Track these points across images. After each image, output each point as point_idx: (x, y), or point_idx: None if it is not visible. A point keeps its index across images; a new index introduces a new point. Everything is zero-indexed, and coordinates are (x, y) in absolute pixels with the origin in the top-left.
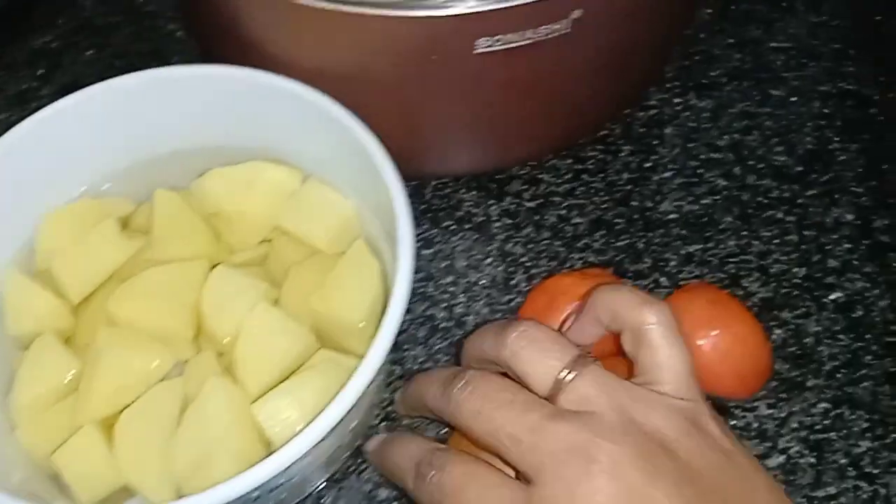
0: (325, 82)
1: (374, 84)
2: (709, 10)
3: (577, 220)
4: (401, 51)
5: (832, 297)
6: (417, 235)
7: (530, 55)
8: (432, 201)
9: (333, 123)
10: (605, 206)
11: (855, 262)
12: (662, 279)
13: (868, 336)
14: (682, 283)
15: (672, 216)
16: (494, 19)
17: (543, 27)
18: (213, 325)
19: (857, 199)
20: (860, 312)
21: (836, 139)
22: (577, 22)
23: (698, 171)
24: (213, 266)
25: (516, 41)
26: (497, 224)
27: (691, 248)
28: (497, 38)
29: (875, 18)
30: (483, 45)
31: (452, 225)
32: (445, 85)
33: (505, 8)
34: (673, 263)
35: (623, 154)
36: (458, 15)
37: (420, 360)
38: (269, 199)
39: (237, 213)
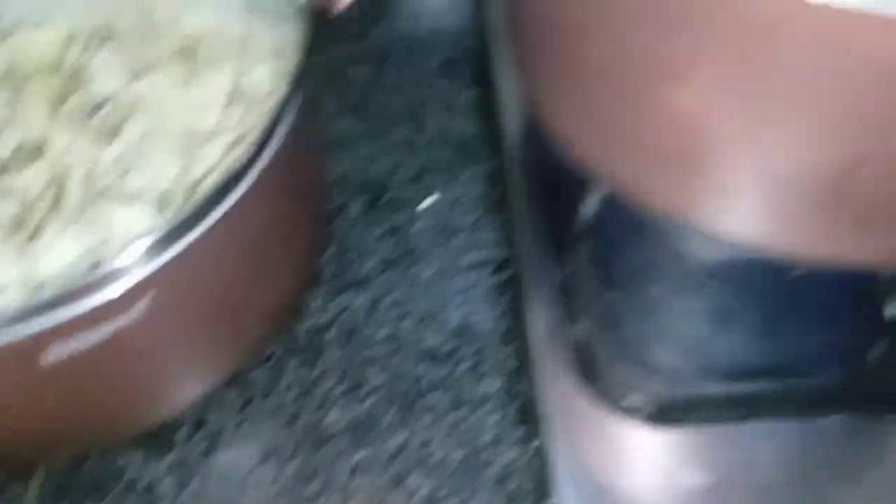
0: None
1: None
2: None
3: (252, 453)
4: None
5: (488, 472)
6: None
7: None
8: (92, 473)
9: None
10: (275, 431)
11: (506, 431)
12: (333, 498)
13: None
14: (350, 497)
15: (338, 426)
16: (63, 330)
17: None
18: None
19: (502, 363)
20: (514, 484)
21: (479, 309)
22: (155, 299)
23: (360, 373)
24: None
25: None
26: (165, 485)
27: (357, 457)
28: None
29: (500, 191)
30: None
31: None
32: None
33: (72, 318)
34: (342, 479)
35: (289, 369)
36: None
37: None
38: None
39: None
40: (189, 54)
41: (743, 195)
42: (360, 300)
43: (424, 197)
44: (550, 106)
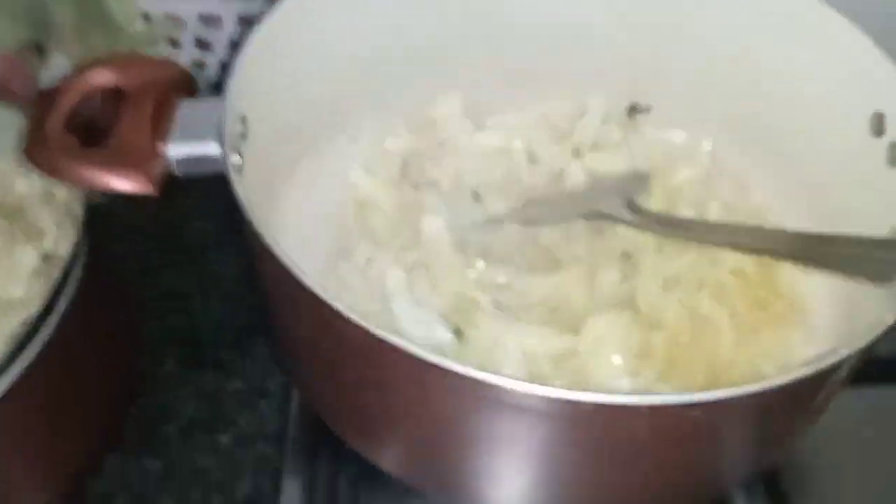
0: None
1: None
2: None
3: None
4: None
5: None
6: None
7: None
8: None
9: None
10: None
11: None
12: None
13: None
14: None
15: None
16: None
17: None
18: None
19: None
20: None
21: (273, 480)
22: None
23: None
24: None
25: None
26: None
27: None
28: None
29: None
30: None
31: None
32: None
33: None
34: None
35: None
36: None
37: None
38: None
39: None
40: (15, 217)
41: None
42: (156, 464)
43: (243, 357)
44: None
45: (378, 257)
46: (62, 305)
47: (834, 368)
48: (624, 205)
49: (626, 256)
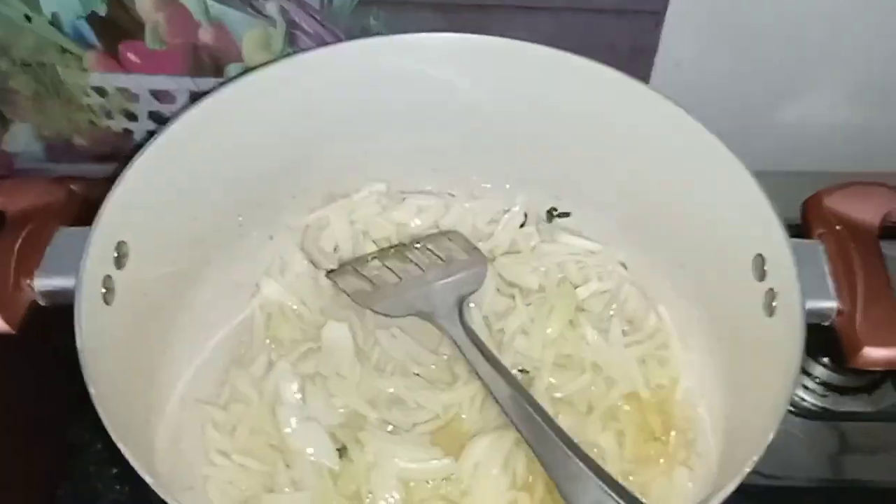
0: None
1: None
2: None
3: None
4: None
5: None
6: None
7: None
8: None
9: None
10: None
11: None
12: None
13: None
14: None
15: None
16: None
17: None
18: None
19: None
20: None
21: None
22: None
23: None
24: None
25: None
26: None
27: None
28: None
29: None
30: None
31: None
32: None
33: None
34: None
35: None
36: None
37: None
38: None
39: None
40: None
41: None
42: None
43: None
44: None
45: (277, 366)
46: None
47: None
48: (456, 304)
49: (524, 373)
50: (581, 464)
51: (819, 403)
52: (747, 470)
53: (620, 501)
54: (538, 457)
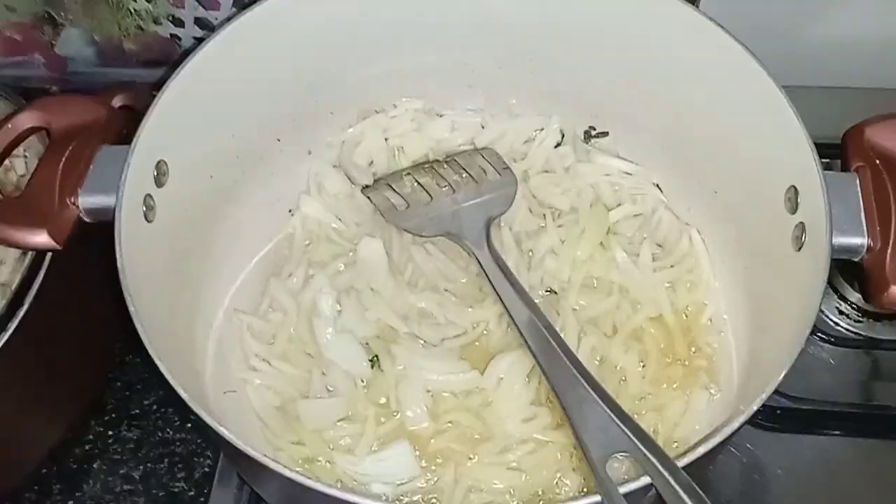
0: None
1: None
2: None
3: None
4: None
5: None
6: None
7: None
8: None
9: None
10: None
11: None
12: None
13: None
14: None
15: None
16: None
17: None
18: None
19: None
20: None
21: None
22: None
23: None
24: None
25: None
26: None
27: None
28: None
29: None
30: None
31: None
32: None
33: None
34: None
35: (55, 495)
36: None
37: None
38: None
39: None
40: None
41: None
42: (131, 434)
43: None
44: None
45: (314, 279)
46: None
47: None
48: (484, 227)
49: (551, 293)
50: (589, 388)
51: (853, 329)
52: (764, 396)
53: (624, 428)
54: (549, 380)
